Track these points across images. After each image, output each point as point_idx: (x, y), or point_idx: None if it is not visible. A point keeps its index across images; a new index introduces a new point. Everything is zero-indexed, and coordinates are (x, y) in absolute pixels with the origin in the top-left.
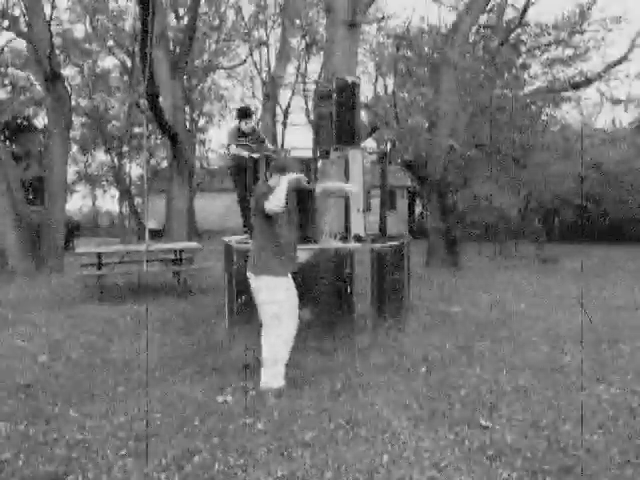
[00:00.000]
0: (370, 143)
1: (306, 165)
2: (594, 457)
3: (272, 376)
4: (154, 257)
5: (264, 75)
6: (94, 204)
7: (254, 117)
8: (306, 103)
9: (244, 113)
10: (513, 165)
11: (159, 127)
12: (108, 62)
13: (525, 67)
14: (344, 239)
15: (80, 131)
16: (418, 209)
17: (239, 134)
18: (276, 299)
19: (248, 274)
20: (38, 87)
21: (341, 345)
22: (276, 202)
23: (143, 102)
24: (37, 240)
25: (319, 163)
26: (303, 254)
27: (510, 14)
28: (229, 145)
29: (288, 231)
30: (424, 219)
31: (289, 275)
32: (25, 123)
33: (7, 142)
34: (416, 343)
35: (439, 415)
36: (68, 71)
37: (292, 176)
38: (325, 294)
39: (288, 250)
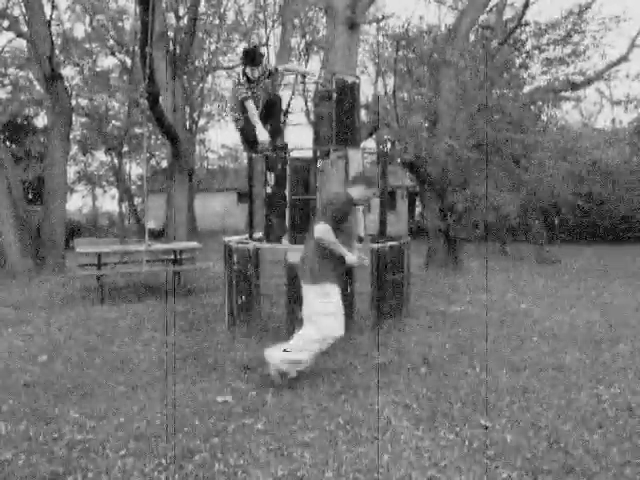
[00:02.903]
0: (370, 143)
1: (306, 165)
2: (594, 457)
3: (289, 362)
4: (154, 257)
5: None
6: (94, 204)
7: (262, 63)
8: (306, 103)
9: (250, 57)
10: (513, 165)
11: (159, 127)
12: (108, 62)
13: (524, 67)
14: None
15: (80, 131)
16: (418, 209)
17: (245, 82)
18: (329, 310)
19: (303, 283)
20: (38, 87)
21: (341, 345)
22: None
23: (143, 102)
24: (37, 240)
25: (319, 163)
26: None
27: (510, 14)
28: (240, 117)
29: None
30: (424, 219)
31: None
32: (25, 123)
33: (7, 142)
34: (416, 343)
35: (439, 415)
36: (68, 71)
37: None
38: None
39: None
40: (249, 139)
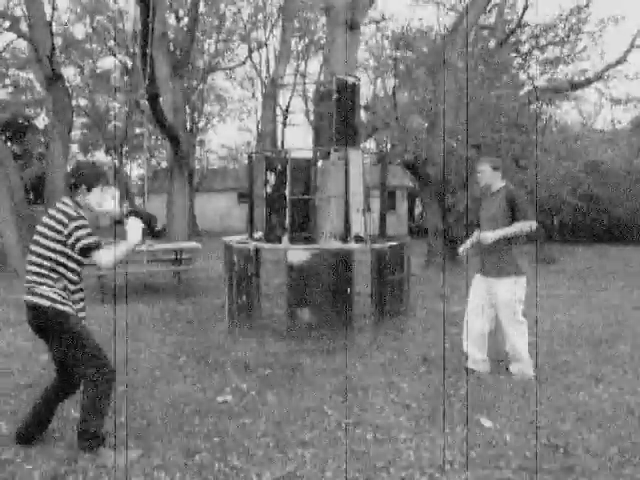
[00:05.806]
0: (370, 143)
1: (306, 165)
2: (594, 457)
3: (527, 366)
4: (154, 257)
5: (264, 76)
6: None
7: None
8: (306, 103)
9: None
10: (513, 165)
11: (159, 127)
12: (108, 62)
13: (524, 67)
14: (344, 239)
15: (80, 131)
16: (418, 209)
17: None
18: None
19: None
20: (38, 87)
21: (341, 345)
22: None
23: (143, 102)
24: None
25: (319, 163)
26: (302, 254)
27: (509, 14)
28: None
29: None
30: (424, 219)
31: None
32: (25, 123)
33: (7, 142)
34: (416, 343)
35: (439, 415)
36: (68, 71)
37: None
38: (325, 294)
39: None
40: None
